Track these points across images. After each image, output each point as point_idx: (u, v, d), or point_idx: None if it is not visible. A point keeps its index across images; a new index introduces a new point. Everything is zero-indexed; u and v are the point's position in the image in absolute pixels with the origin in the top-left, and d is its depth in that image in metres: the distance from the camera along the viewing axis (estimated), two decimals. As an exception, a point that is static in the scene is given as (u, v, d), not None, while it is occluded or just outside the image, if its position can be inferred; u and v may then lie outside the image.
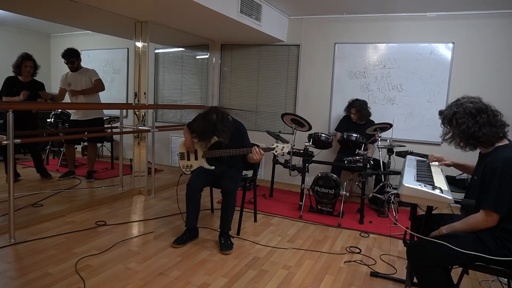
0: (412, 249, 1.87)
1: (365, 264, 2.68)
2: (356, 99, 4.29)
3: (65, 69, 4.41)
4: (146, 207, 3.79)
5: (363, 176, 3.60)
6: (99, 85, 4.39)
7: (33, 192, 3.92)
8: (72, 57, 4.29)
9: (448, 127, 1.85)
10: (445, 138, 1.88)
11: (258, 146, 2.89)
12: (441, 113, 1.91)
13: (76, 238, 2.86)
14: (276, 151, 2.89)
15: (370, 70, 4.56)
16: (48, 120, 4.99)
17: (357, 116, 4.26)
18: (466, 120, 1.75)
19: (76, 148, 5.06)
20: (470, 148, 1.83)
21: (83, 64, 4.45)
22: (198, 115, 2.98)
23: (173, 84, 5.82)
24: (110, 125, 5.20)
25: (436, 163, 2.30)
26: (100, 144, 6.06)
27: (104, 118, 5.41)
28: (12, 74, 4.20)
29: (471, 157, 2.08)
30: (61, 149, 5.06)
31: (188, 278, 2.35)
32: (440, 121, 1.93)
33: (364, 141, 3.95)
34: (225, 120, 2.90)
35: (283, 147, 2.88)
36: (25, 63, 4.15)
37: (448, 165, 2.23)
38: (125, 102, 5.99)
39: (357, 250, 2.93)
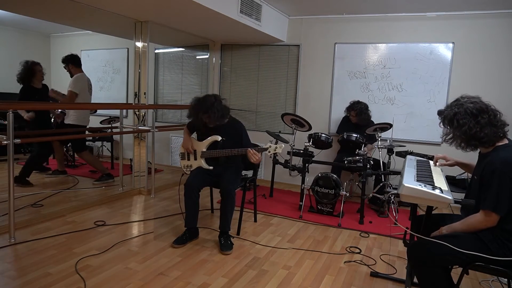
0: (412, 249, 1.87)
1: (365, 264, 2.68)
2: (358, 102, 4.26)
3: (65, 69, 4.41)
4: (146, 207, 3.79)
5: (363, 176, 3.60)
6: (65, 99, 4.20)
7: (33, 192, 3.92)
8: (63, 63, 4.31)
9: (449, 127, 1.83)
10: (446, 139, 1.86)
11: (256, 146, 2.89)
12: (440, 113, 1.89)
13: (76, 238, 2.86)
14: (269, 151, 2.89)
15: (370, 70, 4.56)
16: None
17: (356, 119, 4.26)
18: (468, 121, 1.73)
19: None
20: (471, 148, 1.82)
21: (84, 63, 4.43)
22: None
23: (173, 84, 5.83)
24: (110, 125, 5.21)
25: (440, 168, 2.27)
26: (100, 144, 6.07)
27: (104, 119, 5.44)
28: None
29: (471, 157, 2.07)
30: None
31: (188, 278, 2.35)
32: (439, 121, 1.92)
33: (364, 141, 3.95)
34: (221, 108, 2.90)
35: (276, 147, 2.88)
36: (40, 70, 4.22)
37: (451, 165, 2.21)
38: (125, 102, 5.99)
39: (357, 250, 2.93)
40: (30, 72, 4.17)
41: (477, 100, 1.79)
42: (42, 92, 4.29)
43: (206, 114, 2.86)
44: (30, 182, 4.21)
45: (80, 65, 4.35)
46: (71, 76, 4.29)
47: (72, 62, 4.28)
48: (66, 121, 4.29)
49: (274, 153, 2.93)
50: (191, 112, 2.96)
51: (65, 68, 4.33)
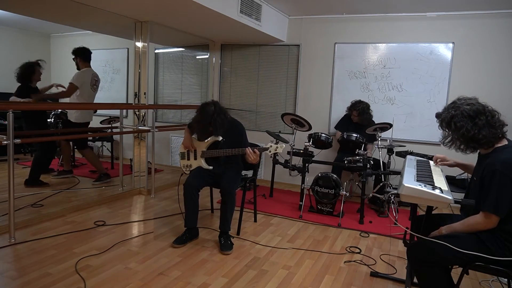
0: (412, 249, 1.87)
1: (365, 264, 2.68)
2: (360, 101, 4.25)
3: (65, 69, 4.40)
4: (146, 207, 3.79)
5: (363, 176, 3.60)
6: (64, 92, 4.23)
7: (33, 192, 3.92)
8: (73, 54, 4.28)
9: (447, 130, 1.83)
10: (445, 142, 1.86)
11: (255, 146, 2.89)
12: (438, 116, 1.88)
13: (76, 238, 2.86)
14: (270, 151, 2.89)
15: (370, 70, 4.56)
16: (48, 120, 4.99)
17: (358, 118, 4.25)
18: (465, 123, 1.73)
19: (75, 148, 5.06)
20: (470, 150, 1.81)
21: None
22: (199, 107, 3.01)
23: (173, 84, 5.82)
24: (110, 125, 5.20)
25: (439, 168, 2.27)
26: (100, 144, 6.07)
27: (104, 119, 5.44)
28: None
29: (471, 158, 2.07)
30: (58, 148, 5.04)
31: (188, 278, 2.35)
32: (438, 123, 1.91)
33: (364, 141, 3.95)
34: (222, 113, 2.93)
35: (277, 147, 2.88)
36: (39, 70, 4.22)
37: (451, 165, 2.21)
38: (125, 102, 5.99)
39: (357, 250, 2.93)
40: (30, 70, 4.14)
41: (473, 101, 1.78)
42: (36, 92, 4.28)
43: (214, 125, 2.90)
44: (44, 182, 4.23)
45: (89, 60, 4.34)
46: (78, 69, 4.29)
47: (81, 56, 4.27)
48: (69, 118, 4.29)
49: (275, 153, 2.94)
50: (199, 127, 2.96)
51: (74, 60, 4.31)
